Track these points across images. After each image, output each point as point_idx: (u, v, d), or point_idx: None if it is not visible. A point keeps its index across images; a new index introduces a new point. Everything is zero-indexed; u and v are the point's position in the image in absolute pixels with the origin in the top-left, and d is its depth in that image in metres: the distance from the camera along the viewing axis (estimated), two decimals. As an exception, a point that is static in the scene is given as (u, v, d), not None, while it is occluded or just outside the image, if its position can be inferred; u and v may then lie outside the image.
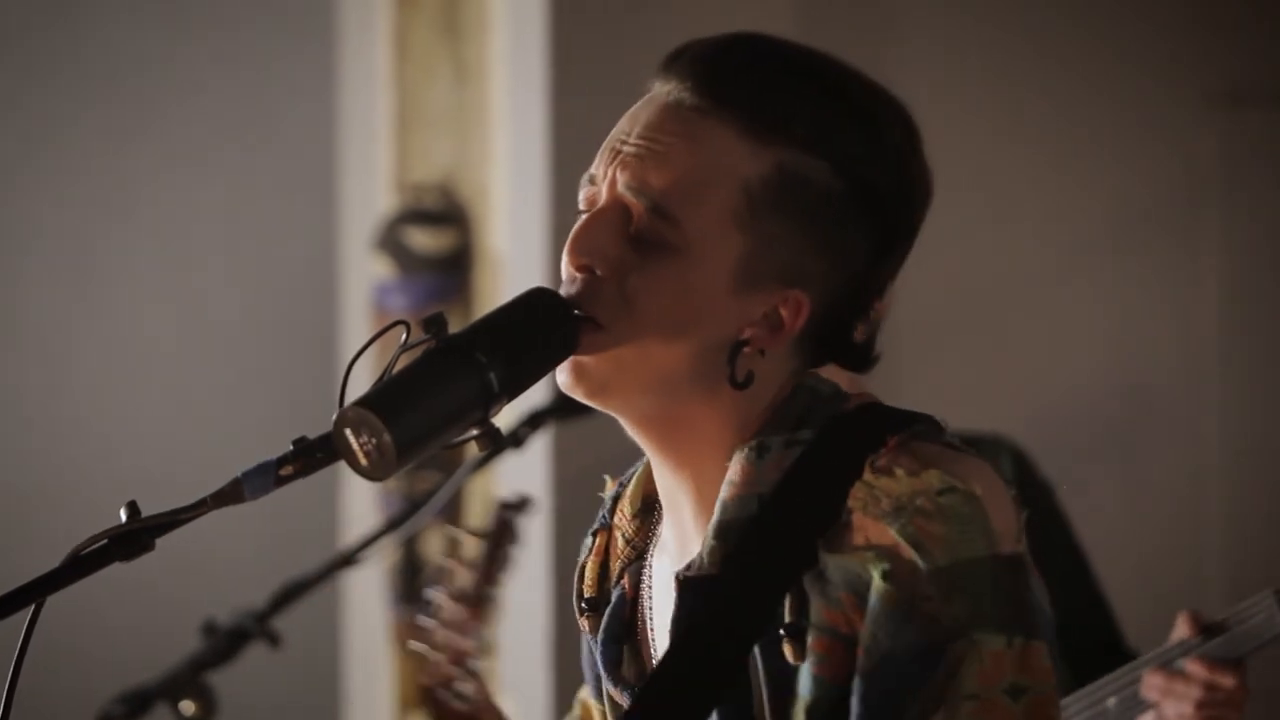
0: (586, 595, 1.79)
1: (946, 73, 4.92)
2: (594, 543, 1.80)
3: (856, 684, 1.58)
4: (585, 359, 1.63)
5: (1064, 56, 5.02)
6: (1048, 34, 5.02)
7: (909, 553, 1.56)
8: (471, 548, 1.29)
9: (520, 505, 1.77)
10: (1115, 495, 3.24)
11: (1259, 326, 5.08)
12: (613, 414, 1.70)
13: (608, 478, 1.89)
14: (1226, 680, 2.54)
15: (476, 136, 4.60)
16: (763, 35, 1.69)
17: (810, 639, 1.59)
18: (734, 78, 1.64)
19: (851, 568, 1.58)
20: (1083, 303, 4.97)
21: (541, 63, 4.31)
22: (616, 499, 1.81)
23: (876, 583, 1.56)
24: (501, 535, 1.28)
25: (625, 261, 1.63)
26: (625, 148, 1.64)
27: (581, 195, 1.68)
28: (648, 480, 1.78)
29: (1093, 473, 3.21)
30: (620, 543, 1.78)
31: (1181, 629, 2.60)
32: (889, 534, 1.57)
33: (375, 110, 4.79)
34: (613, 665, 1.75)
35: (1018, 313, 4.84)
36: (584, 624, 1.79)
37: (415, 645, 1.39)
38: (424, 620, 1.37)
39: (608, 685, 1.76)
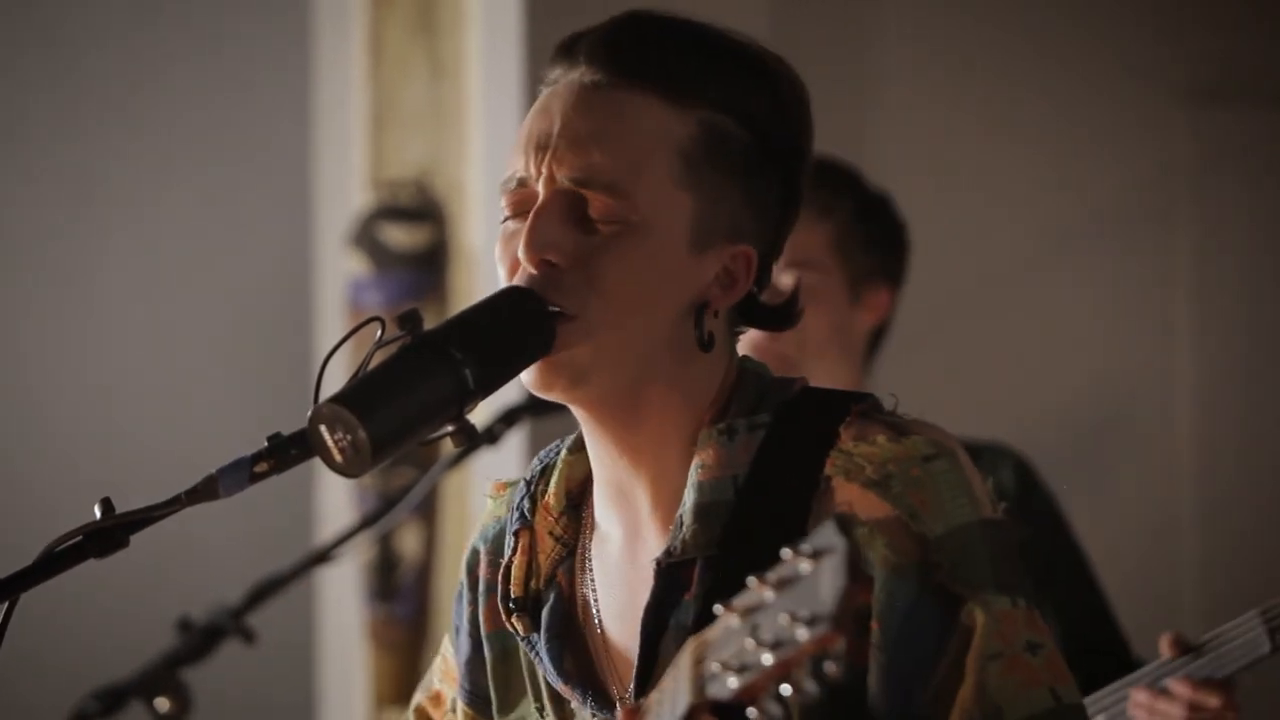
0: (514, 595, 1.79)
1: (921, 70, 4.92)
2: (517, 542, 1.80)
3: (876, 657, 1.60)
4: (559, 355, 1.64)
5: (1037, 53, 5.03)
6: (1021, 31, 5.03)
7: (907, 523, 1.59)
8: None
9: None
10: (1087, 496, 3.24)
11: (1232, 324, 5.09)
12: (580, 407, 1.70)
13: (494, 481, 1.89)
14: (1212, 700, 2.54)
15: (452, 133, 4.60)
16: (652, 11, 1.72)
17: None
18: (643, 51, 1.67)
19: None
20: (1055, 301, 4.98)
21: (516, 60, 4.31)
22: (534, 498, 1.81)
23: (882, 554, 1.58)
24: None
25: (583, 248, 1.64)
26: (555, 141, 1.65)
27: (506, 200, 1.69)
28: (569, 478, 1.79)
29: (1063, 472, 3.21)
30: (549, 540, 1.78)
31: (1165, 650, 2.60)
32: (883, 505, 1.59)
33: (350, 107, 4.79)
34: (558, 662, 1.75)
35: (988, 311, 4.85)
36: (515, 625, 1.79)
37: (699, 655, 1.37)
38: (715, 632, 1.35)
39: (555, 682, 1.75)
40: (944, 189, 4.67)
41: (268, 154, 5.18)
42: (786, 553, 1.23)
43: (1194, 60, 5.07)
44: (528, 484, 1.82)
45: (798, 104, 1.73)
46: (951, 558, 1.58)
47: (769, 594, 1.27)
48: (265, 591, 2.60)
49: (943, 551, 1.58)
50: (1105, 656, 2.91)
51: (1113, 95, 5.03)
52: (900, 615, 1.59)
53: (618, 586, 1.74)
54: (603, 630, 1.75)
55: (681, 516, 1.67)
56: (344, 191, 4.81)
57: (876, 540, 1.59)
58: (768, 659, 1.27)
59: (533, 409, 2.69)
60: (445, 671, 1.93)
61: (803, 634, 1.25)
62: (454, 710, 1.90)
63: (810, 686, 1.26)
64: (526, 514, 1.80)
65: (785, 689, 1.28)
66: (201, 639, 2.48)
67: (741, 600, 1.29)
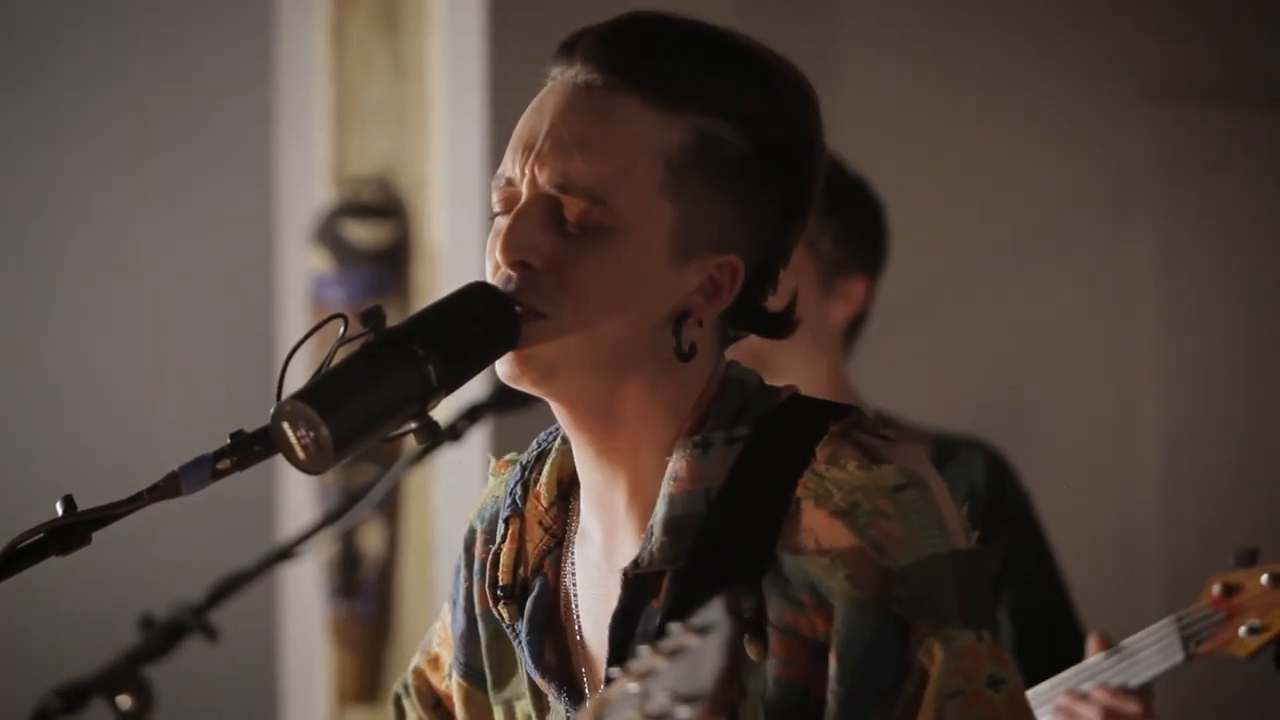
0: (502, 583, 1.79)
1: (883, 68, 4.94)
2: (508, 529, 1.80)
3: (834, 690, 1.59)
4: (528, 347, 1.64)
5: (998, 49, 5.04)
6: (983, 27, 5.04)
7: (871, 555, 1.58)
8: None
9: None
10: (1047, 488, 3.25)
11: (1193, 318, 5.12)
12: (554, 402, 1.70)
13: (492, 458, 1.89)
14: (1129, 707, 2.54)
15: (415, 130, 4.59)
16: (656, 13, 1.71)
17: (773, 640, 1.61)
18: (639, 53, 1.66)
19: (812, 571, 1.59)
20: (1017, 295, 4.99)
21: (479, 57, 4.31)
22: (526, 485, 1.81)
23: (843, 588, 1.58)
24: None
25: (559, 252, 1.64)
26: (540, 143, 1.65)
27: (496, 197, 1.69)
28: (561, 467, 1.79)
29: (1024, 465, 3.21)
30: (538, 530, 1.78)
31: (1091, 647, 2.60)
32: (847, 535, 1.58)
33: (313, 104, 4.78)
34: (538, 654, 1.75)
35: (950, 305, 4.86)
36: (501, 612, 1.79)
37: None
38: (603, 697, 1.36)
39: (534, 674, 1.76)
40: (905, 186, 4.67)
41: (230, 150, 5.17)
42: (674, 626, 1.23)
43: (1154, 57, 5.09)
44: (523, 469, 1.82)
45: (803, 108, 1.71)
46: (915, 591, 1.57)
47: (661, 662, 1.26)
48: (227, 588, 2.58)
49: (906, 584, 1.57)
50: (1063, 658, 2.92)
51: (1074, 92, 5.05)
52: (859, 650, 1.58)
53: (594, 586, 1.74)
54: (579, 626, 1.75)
55: (653, 527, 1.66)
56: (306, 188, 4.81)
57: (838, 572, 1.58)
58: None
59: (497, 406, 2.69)
60: (444, 637, 1.93)
61: (682, 713, 1.23)
62: (450, 676, 1.91)
63: None
64: (519, 501, 1.80)
65: None
66: (163, 636, 2.46)
67: (637, 665, 1.29)
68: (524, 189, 1.66)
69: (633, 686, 1.29)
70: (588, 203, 1.63)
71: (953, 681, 1.56)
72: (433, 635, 1.97)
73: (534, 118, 1.68)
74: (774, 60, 1.71)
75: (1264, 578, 2.47)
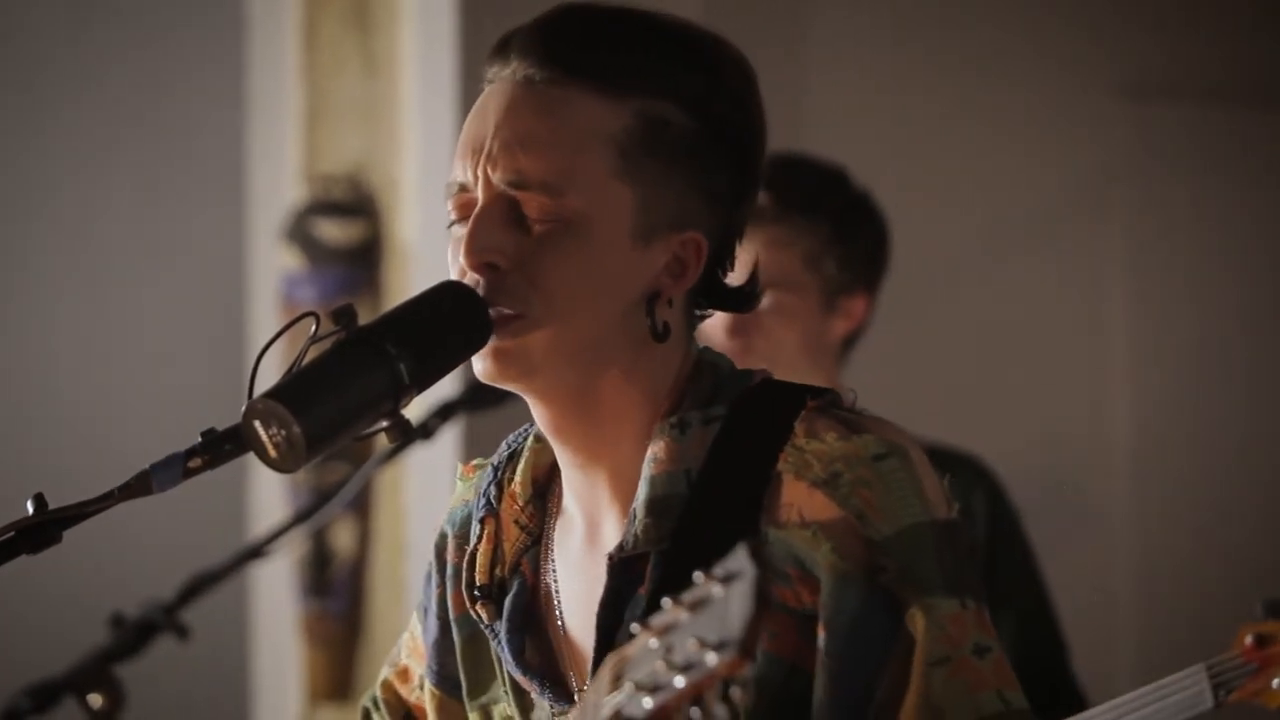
0: (479, 583, 1.79)
1: (856, 66, 4.94)
2: (483, 530, 1.80)
3: (823, 663, 1.60)
4: (507, 344, 1.64)
5: (973, 49, 5.05)
6: (957, 25, 5.05)
7: (854, 525, 1.59)
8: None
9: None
10: (1016, 490, 3.26)
11: (1169, 319, 5.12)
12: (534, 398, 1.70)
13: (459, 464, 1.89)
14: None
15: (386, 128, 4.59)
16: (587, 3, 1.72)
17: None
18: (575, 44, 1.67)
19: (796, 544, 1.61)
20: (992, 296, 5.00)
21: (451, 55, 4.30)
22: (500, 485, 1.81)
23: (828, 559, 1.59)
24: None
25: (524, 249, 1.64)
26: (489, 144, 1.65)
27: (451, 205, 1.69)
28: (536, 466, 1.79)
29: (997, 465, 3.22)
30: (514, 529, 1.79)
31: None
32: (830, 506, 1.59)
33: (284, 102, 4.77)
34: (519, 653, 1.75)
35: (924, 306, 4.86)
36: (479, 612, 1.79)
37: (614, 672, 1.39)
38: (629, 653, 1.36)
39: (515, 673, 1.76)
40: (878, 184, 4.68)
41: (201, 148, 5.15)
42: (699, 576, 1.24)
43: (1129, 56, 5.10)
44: (495, 470, 1.82)
45: (742, 85, 1.73)
46: (899, 560, 1.59)
47: (683, 615, 1.28)
48: (198, 587, 2.57)
49: (890, 554, 1.59)
50: (1052, 692, 2.93)
51: (1049, 92, 5.05)
52: (846, 621, 1.59)
53: (578, 577, 1.74)
54: (563, 621, 1.75)
55: (635, 510, 1.67)
56: (278, 186, 4.80)
57: (823, 544, 1.59)
58: (679, 681, 1.28)
59: (469, 403, 2.68)
60: (413, 649, 1.93)
61: (711, 659, 1.25)
62: (421, 688, 1.91)
63: (720, 712, 1.27)
64: (493, 501, 1.80)
65: (695, 713, 1.29)
66: (134, 635, 2.45)
67: (658, 619, 1.30)
68: (479, 192, 1.66)
69: (653, 642, 1.30)
70: (546, 197, 1.64)
71: (938, 649, 1.57)
72: (400, 648, 1.97)
73: (478, 121, 1.68)
74: (710, 39, 1.73)
75: None
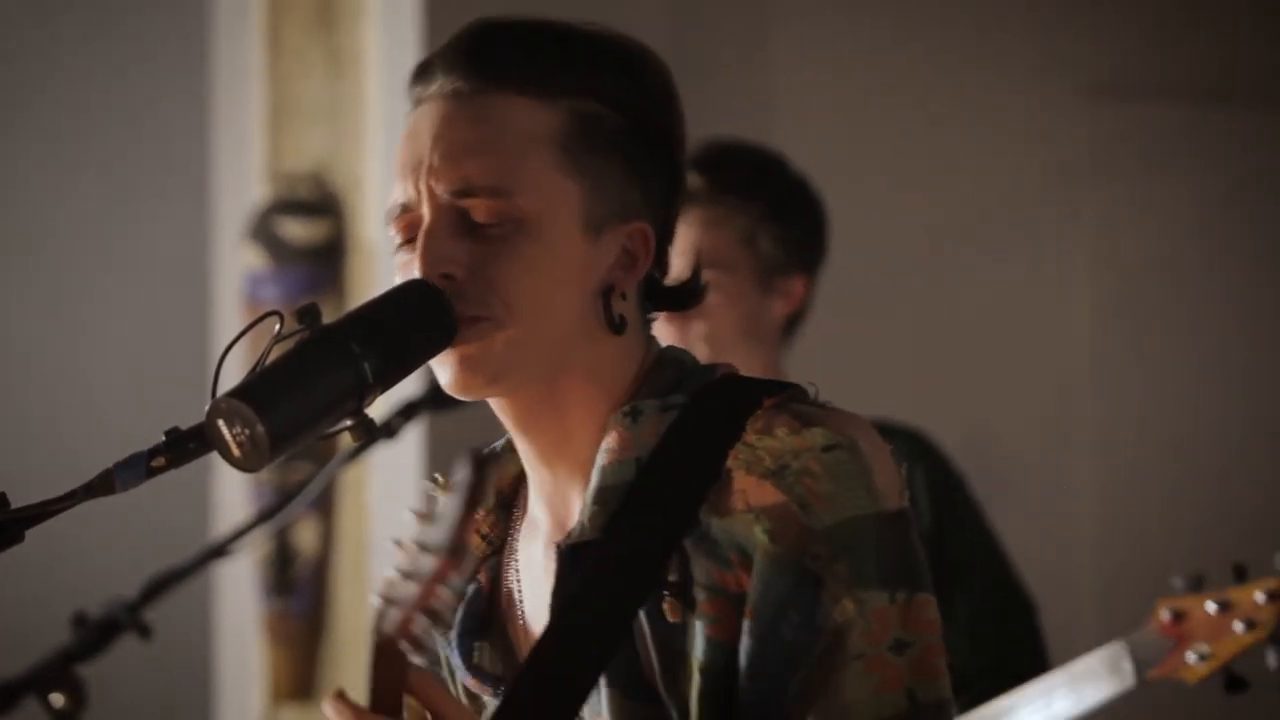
0: None
1: (820, 67, 4.95)
2: None
3: (745, 643, 1.60)
4: (472, 349, 1.65)
5: (935, 49, 5.06)
6: (918, 26, 5.06)
7: (795, 512, 1.59)
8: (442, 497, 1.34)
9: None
10: (979, 486, 3.27)
11: (1130, 316, 5.14)
12: (500, 399, 1.71)
13: (437, 476, 1.90)
14: None
15: (350, 127, 4.59)
16: (504, 16, 1.74)
17: (701, 600, 1.62)
18: (498, 54, 1.69)
19: (737, 529, 1.61)
20: (954, 294, 5.01)
21: (415, 54, 4.30)
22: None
23: (761, 542, 1.59)
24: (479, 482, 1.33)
25: (478, 256, 1.65)
26: (430, 159, 1.66)
27: (396, 228, 1.70)
28: (501, 476, 1.80)
29: (961, 463, 3.24)
30: (475, 539, 1.79)
31: None
32: (774, 493, 1.60)
33: (248, 101, 4.77)
34: (467, 657, 1.76)
35: (886, 304, 4.88)
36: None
37: (380, 594, 1.43)
38: (392, 568, 1.40)
39: (464, 678, 1.76)
40: (843, 185, 4.69)
41: (165, 148, 5.15)
42: (427, 484, 1.30)
43: (1090, 56, 5.12)
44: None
45: (660, 83, 1.75)
46: (835, 550, 1.59)
47: (419, 527, 1.33)
48: (161, 586, 2.57)
49: (827, 544, 1.59)
50: (1022, 643, 2.94)
51: (1010, 91, 5.07)
52: (773, 607, 1.59)
53: (543, 579, 1.74)
54: (525, 623, 1.76)
55: (586, 500, 1.68)
56: (242, 185, 4.79)
57: (758, 526, 1.60)
58: (409, 589, 1.35)
59: (432, 403, 2.69)
60: None
61: (426, 563, 1.33)
62: None
63: (447, 615, 1.33)
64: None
65: (422, 621, 1.33)
66: (97, 634, 2.45)
67: (407, 536, 1.35)
68: (425, 209, 1.67)
69: (400, 558, 1.36)
70: (494, 200, 1.65)
71: (858, 644, 1.57)
72: None
73: (413, 141, 1.69)
74: (624, 42, 1.75)
75: (1209, 605, 2.50)
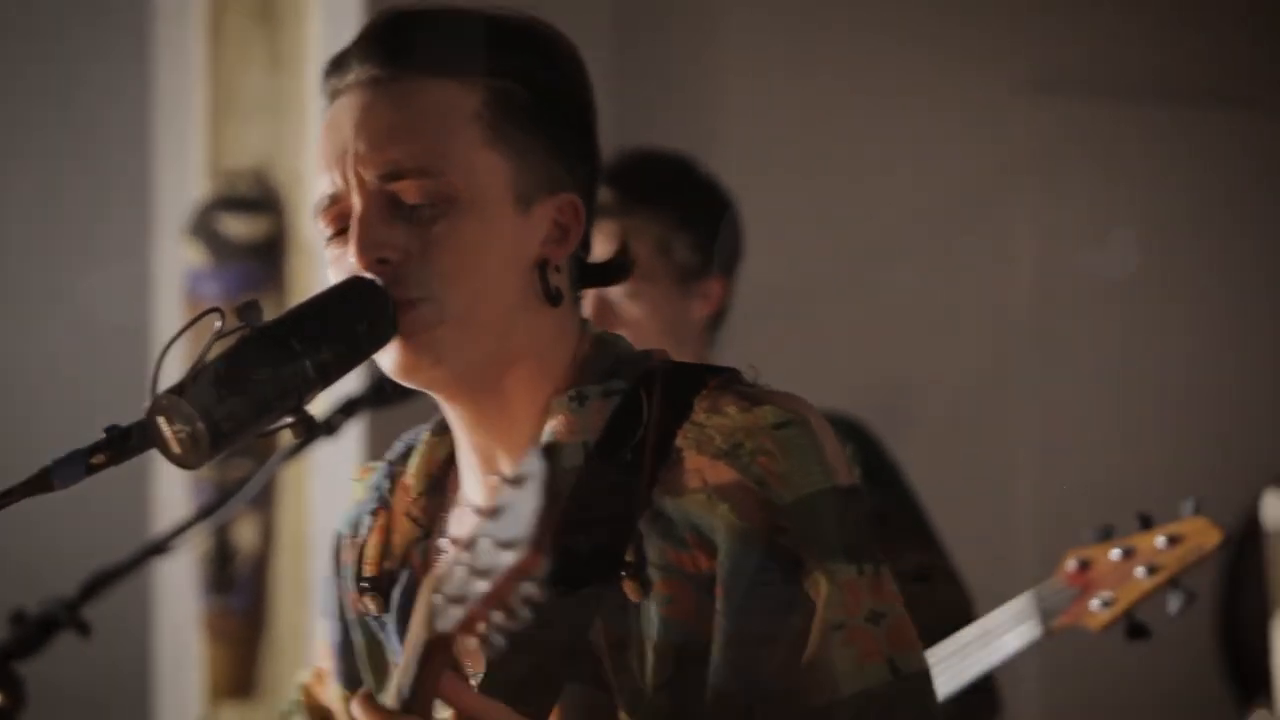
0: (367, 574, 1.80)
1: (763, 66, 4.96)
2: (374, 521, 1.81)
3: (720, 624, 1.61)
4: (416, 333, 1.65)
5: (875, 44, 5.08)
6: (859, 22, 5.08)
7: (754, 490, 1.60)
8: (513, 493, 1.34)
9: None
10: (923, 484, 3.28)
11: (1070, 312, 5.18)
12: (441, 386, 1.71)
13: (372, 465, 1.90)
14: None
15: (292, 124, 4.58)
16: (405, 5, 1.75)
17: (657, 580, 1.63)
18: (414, 39, 1.71)
19: (693, 509, 1.62)
20: (895, 289, 5.03)
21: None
22: (393, 478, 1.82)
23: (727, 520, 1.60)
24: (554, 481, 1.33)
25: (413, 238, 1.65)
26: (355, 146, 1.67)
27: (325, 220, 1.70)
28: (430, 460, 1.80)
29: (902, 456, 3.25)
30: (405, 522, 1.79)
31: None
32: (730, 472, 1.61)
33: (190, 97, 4.75)
34: (403, 641, 1.76)
35: (829, 298, 4.89)
36: (367, 604, 1.80)
37: (438, 591, 1.42)
38: (451, 564, 1.39)
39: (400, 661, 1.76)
40: (786, 179, 4.72)
41: (106, 143, 5.12)
42: (492, 480, 1.28)
43: (1029, 51, 5.15)
44: (389, 464, 1.83)
45: (571, 59, 1.77)
46: (800, 525, 1.60)
47: (485, 524, 1.31)
48: (101, 583, 2.57)
49: (791, 518, 1.60)
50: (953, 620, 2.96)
51: (949, 86, 5.10)
52: (745, 583, 1.60)
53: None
54: None
55: None
56: (183, 181, 4.78)
57: (719, 505, 1.60)
58: (481, 587, 1.32)
59: (373, 400, 2.69)
60: (324, 652, 1.94)
61: (506, 558, 1.29)
62: (334, 689, 1.92)
63: (524, 612, 1.31)
64: (385, 494, 1.81)
65: (498, 616, 1.32)
66: (35, 632, 2.45)
67: (465, 534, 1.33)
68: (354, 196, 1.67)
69: (463, 555, 1.33)
70: (424, 180, 1.65)
71: (837, 614, 1.58)
72: (317, 650, 1.98)
73: (334, 131, 1.70)
74: (533, 22, 1.76)
75: (1114, 552, 2.52)
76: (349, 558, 1.85)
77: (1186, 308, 5.26)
